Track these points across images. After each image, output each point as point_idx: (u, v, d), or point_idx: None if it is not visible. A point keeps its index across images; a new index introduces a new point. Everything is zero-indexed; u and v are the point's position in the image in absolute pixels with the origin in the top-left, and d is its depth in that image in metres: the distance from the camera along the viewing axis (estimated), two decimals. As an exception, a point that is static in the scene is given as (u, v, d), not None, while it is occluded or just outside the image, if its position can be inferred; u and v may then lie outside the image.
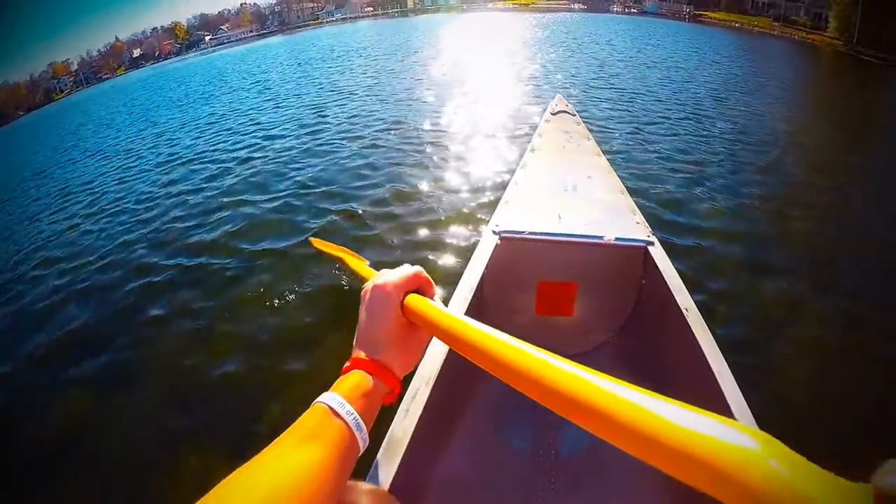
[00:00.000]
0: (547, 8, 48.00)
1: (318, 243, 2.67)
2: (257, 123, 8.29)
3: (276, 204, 4.50)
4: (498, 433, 1.67)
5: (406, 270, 0.57)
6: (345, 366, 0.53)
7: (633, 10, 45.36)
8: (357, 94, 9.67)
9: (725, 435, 0.29)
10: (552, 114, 3.07)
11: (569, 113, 3.09)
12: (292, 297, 3.02)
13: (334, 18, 63.84)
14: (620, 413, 0.32)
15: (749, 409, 1.16)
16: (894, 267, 3.50)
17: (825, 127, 7.85)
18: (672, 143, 5.81)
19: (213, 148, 7.18)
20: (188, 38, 77.23)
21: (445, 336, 0.51)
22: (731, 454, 0.27)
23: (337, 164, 5.37)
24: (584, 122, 3.02)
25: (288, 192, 4.74)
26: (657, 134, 6.15)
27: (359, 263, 1.48)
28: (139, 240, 4.41)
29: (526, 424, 1.68)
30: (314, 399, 0.47)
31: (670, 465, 0.29)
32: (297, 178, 5.06)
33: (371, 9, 64.50)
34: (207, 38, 74.46)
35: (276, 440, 0.43)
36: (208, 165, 6.22)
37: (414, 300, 0.56)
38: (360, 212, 4.05)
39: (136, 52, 77.04)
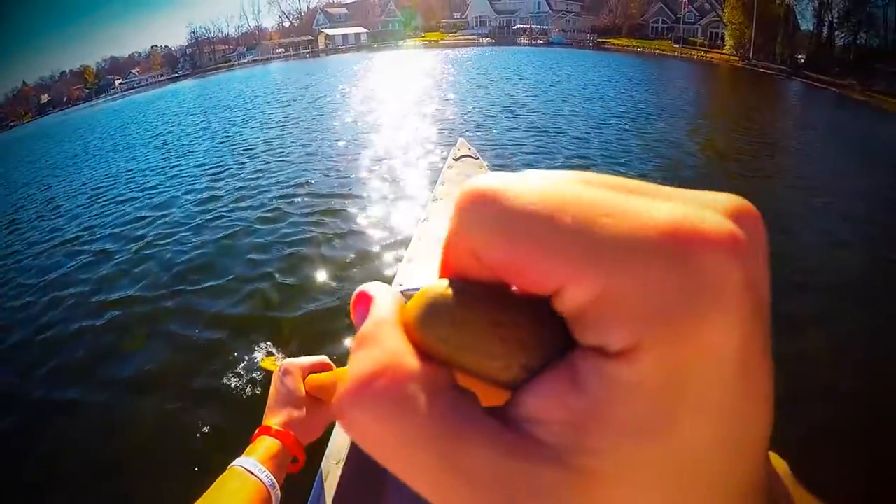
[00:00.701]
0: (456, 44, 49.78)
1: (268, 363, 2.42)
2: (150, 190, 7.76)
3: (144, 308, 3.94)
4: None
5: (311, 357, 0.72)
6: (254, 434, 0.64)
7: (539, 41, 48.14)
8: (257, 150, 9.39)
9: None
10: (455, 159, 3.02)
11: (472, 157, 3.05)
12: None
13: (246, 61, 62.79)
14: None
15: None
16: (820, 259, 4.20)
17: (735, 134, 9.13)
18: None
19: (99, 222, 6.62)
20: (98, 82, 73.08)
21: None
22: None
23: (226, 247, 4.87)
24: (490, 161, 2.98)
25: (167, 285, 4.25)
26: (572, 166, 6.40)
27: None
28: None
29: None
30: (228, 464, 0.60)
31: None
32: (178, 268, 4.54)
33: (282, 50, 64.05)
34: (118, 82, 70.84)
35: (200, 500, 0.53)
36: (86, 248, 5.69)
37: (316, 377, 0.67)
38: (248, 312, 3.65)
39: (44, 98, 71.74)
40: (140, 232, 5.77)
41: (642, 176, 6.34)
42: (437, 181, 2.84)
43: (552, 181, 0.13)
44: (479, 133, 8.87)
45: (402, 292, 1.44)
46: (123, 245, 5.46)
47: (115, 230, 6.06)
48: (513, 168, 6.29)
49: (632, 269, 0.12)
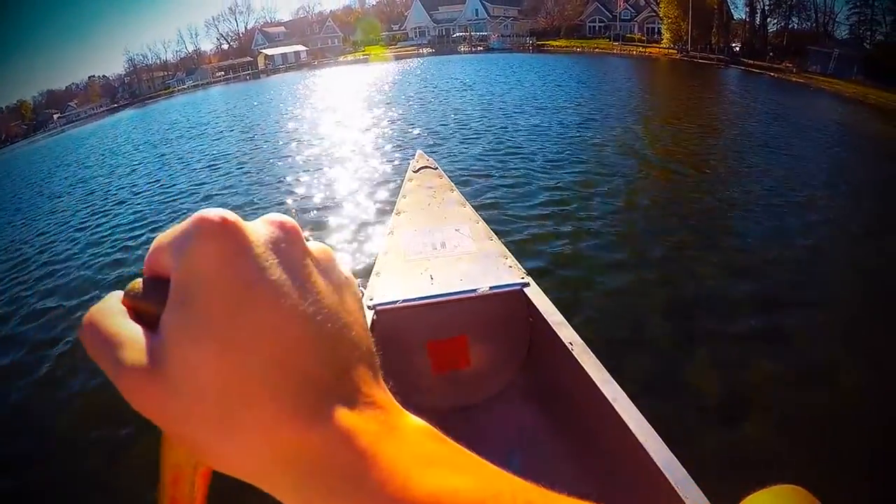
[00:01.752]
0: (397, 55, 49.73)
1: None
2: (65, 258, 7.01)
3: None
4: None
5: None
6: None
7: (479, 48, 48.61)
8: (191, 193, 8.76)
9: None
10: (414, 171, 3.10)
11: (430, 167, 3.13)
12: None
13: (185, 86, 60.86)
14: None
15: (651, 426, 1.27)
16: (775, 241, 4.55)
17: (683, 122, 9.55)
18: (540, 178, 6.50)
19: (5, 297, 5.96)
20: (35, 117, 69.43)
21: None
22: None
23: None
24: (447, 173, 3.10)
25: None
26: (520, 169, 6.88)
27: None
28: None
29: None
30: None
31: None
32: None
33: (222, 73, 62.37)
34: (56, 116, 67.47)
35: None
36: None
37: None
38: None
39: (-21, 136, 67.32)
40: (52, 315, 5.23)
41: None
42: (399, 195, 2.90)
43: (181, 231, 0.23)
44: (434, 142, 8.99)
45: (373, 307, 1.91)
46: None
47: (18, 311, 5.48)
48: (470, 175, 6.58)
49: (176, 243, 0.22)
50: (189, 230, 0.22)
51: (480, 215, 2.54)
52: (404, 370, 1.99)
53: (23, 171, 20.64)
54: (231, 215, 0.22)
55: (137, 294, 0.23)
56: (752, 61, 26.81)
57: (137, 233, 7.16)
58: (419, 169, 3.11)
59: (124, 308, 0.23)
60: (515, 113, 11.51)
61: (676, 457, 1.19)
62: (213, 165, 10.88)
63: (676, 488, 1.10)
